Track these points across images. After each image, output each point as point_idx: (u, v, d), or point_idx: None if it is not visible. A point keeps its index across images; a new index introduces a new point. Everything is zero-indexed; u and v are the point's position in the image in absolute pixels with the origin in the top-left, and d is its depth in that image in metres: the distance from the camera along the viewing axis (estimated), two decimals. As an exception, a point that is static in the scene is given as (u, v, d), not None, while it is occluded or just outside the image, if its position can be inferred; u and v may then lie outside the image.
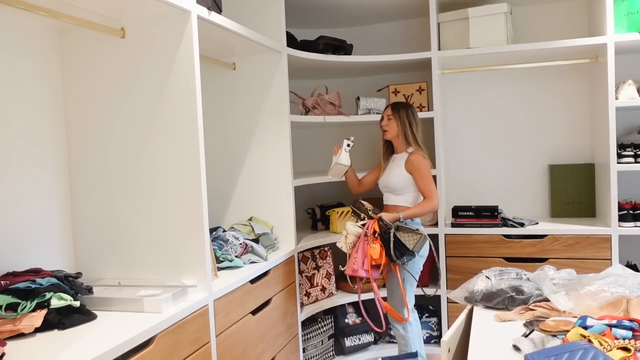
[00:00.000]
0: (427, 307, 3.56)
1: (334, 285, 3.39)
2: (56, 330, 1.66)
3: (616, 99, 3.07)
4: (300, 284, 3.11)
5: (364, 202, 2.83)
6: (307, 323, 3.23)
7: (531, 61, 3.48)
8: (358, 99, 3.49)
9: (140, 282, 2.04)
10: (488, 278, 2.11)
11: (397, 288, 2.85)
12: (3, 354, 1.46)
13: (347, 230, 2.76)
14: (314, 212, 3.66)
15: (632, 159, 3.07)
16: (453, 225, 3.40)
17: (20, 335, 1.60)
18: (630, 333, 1.51)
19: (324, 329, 3.33)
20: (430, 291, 3.12)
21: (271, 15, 2.95)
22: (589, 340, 1.45)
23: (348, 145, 2.96)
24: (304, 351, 3.14)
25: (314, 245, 3.22)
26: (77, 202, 2.18)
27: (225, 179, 3.06)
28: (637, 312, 1.73)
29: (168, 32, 2.02)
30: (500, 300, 2.00)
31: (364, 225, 2.73)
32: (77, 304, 1.73)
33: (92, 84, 2.12)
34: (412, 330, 2.85)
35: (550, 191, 3.60)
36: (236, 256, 2.51)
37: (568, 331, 1.57)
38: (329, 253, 3.38)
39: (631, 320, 1.55)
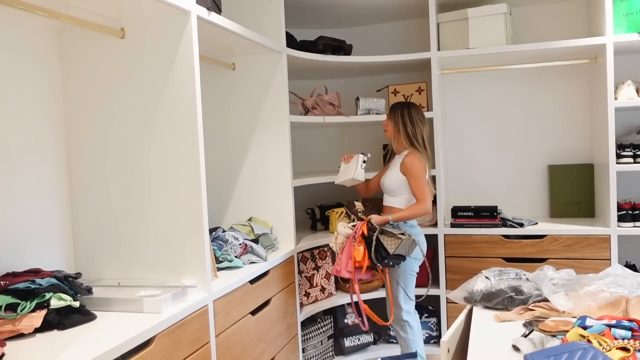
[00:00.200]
0: (427, 307, 3.56)
1: (334, 285, 3.39)
2: (56, 330, 1.66)
3: (615, 99, 3.07)
4: (299, 284, 3.11)
5: (356, 203, 2.84)
6: (307, 323, 3.23)
7: (530, 61, 3.48)
8: (357, 99, 3.49)
9: (140, 282, 2.04)
10: (487, 278, 2.12)
11: (393, 290, 2.86)
12: (3, 355, 1.46)
13: (337, 231, 2.78)
14: (314, 213, 3.66)
15: (631, 159, 3.08)
16: (452, 225, 3.40)
17: (20, 335, 1.60)
18: (629, 333, 1.51)
19: (324, 329, 3.33)
20: (422, 292, 3.09)
21: (271, 15, 2.95)
22: (588, 341, 1.45)
23: (364, 161, 2.94)
24: (303, 351, 3.14)
25: (313, 245, 3.22)
26: (76, 203, 2.18)
27: (224, 179, 3.06)
28: (636, 312, 1.73)
29: (168, 32, 2.02)
30: (500, 300, 2.00)
31: (355, 226, 2.73)
32: (76, 304, 1.73)
33: (92, 84, 2.12)
34: (413, 332, 2.85)
35: (549, 191, 3.60)
36: (236, 256, 2.51)
37: (567, 331, 1.57)
38: (328, 253, 3.38)
39: (630, 321, 1.56)
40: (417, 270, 2.85)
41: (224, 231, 2.63)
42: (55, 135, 2.12)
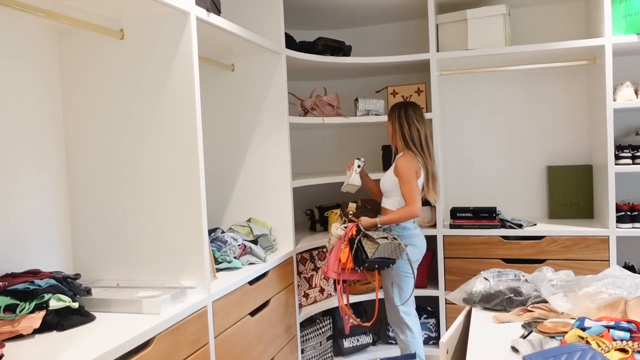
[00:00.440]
0: (426, 308, 3.56)
1: (333, 286, 3.39)
2: (55, 331, 1.66)
3: (614, 100, 3.08)
4: (298, 285, 3.11)
5: (350, 205, 2.85)
6: (306, 324, 3.23)
7: (529, 63, 3.48)
8: (357, 100, 3.49)
9: (139, 283, 2.04)
10: (486, 279, 2.12)
11: (387, 292, 2.86)
12: (2, 355, 1.46)
13: (330, 232, 2.81)
14: (313, 214, 3.66)
15: (629, 161, 3.08)
16: (451, 226, 3.40)
17: (19, 336, 1.60)
18: (628, 334, 1.51)
19: (323, 330, 3.33)
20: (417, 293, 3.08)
21: (270, 16, 2.95)
22: (587, 342, 1.46)
23: (358, 166, 2.95)
24: (302, 352, 3.14)
25: (312, 246, 3.22)
26: (75, 203, 2.18)
27: (224, 180, 3.06)
28: (634, 313, 1.73)
29: (167, 33, 2.02)
30: (499, 301, 2.00)
31: (347, 227, 2.74)
32: (75, 305, 1.72)
33: (91, 85, 2.12)
34: (413, 335, 2.85)
35: (548, 192, 3.60)
36: (235, 257, 2.51)
37: (566, 332, 1.58)
38: (327, 254, 3.38)
39: (629, 322, 1.56)
40: (411, 271, 2.80)
41: (223, 232, 2.63)
42: (55, 135, 2.12)
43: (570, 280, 2.02)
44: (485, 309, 2.03)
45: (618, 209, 3.10)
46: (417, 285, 2.97)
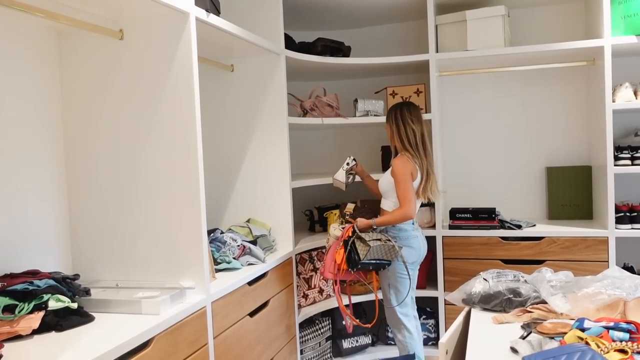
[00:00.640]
0: (425, 309, 3.56)
1: (332, 287, 3.38)
2: (54, 332, 1.66)
3: (613, 101, 3.08)
4: (297, 286, 3.11)
5: (348, 205, 2.85)
6: (305, 325, 3.23)
7: (528, 64, 3.49)
8: (356, 100, 3.49)
9: (138, 283, 2.04)
10: (485, 280, 2.12)
11: (384, 293, 2.86)
12: (1, 356, 1.46)
13: (329, 232, 2.82)
14: (312, 214, 3.66)
15: (628, 162, 3.08)
16: (450, 227, 3.40)
17: (18, 337, 1.60)
18: (627, 335, 1.51)
19: (322, 330, 3.33)
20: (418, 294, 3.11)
21: (269, 17, 2.95)
22: (587, 343, 1.46)
23: (347, 163, 2.96)
24: (301, 353, 3.13)
25: (311, 247, 3.21)
26: (74, 204, 2.17)
27: (223, 181, 3.06)
28: (634, 314, 1.73)
29: (166, 33, 2.02)
30: (498, 302, 2.00)
31: (344, 228, 2.75)
32: (74, 305, 1.72)
33: (90, 85, 2.12)
34: (412, 336, 2.84)
35: (547, 193, 3.61)
36: (234, 258, 2.51)
37: (565, 333, 1.57)
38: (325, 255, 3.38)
39: (628, 323, 1.56)
40: (407, 272, 2.76)
41: (222, 232, 2.63)
42: (54, 136, 2.12)
43: (570, 281, 2.02)
44: (485, 309, 2.02)
45: (617, 209, 3.11)
46: (416, 286, 2.96)
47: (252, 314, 2.43)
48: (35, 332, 1.62)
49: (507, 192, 3.73)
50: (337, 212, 3.44)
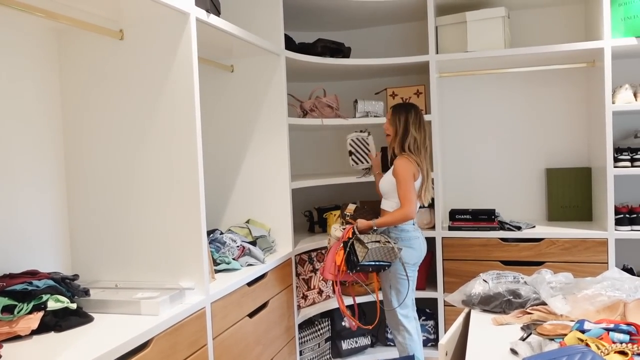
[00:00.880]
0: (424, 310, 3.56)
1: (331, 288, 3.38)
2: (53, 332, 1.66)
3: (613, 103, 3.08)
4: (297, 287, 3.10)
5: (349, 206, 2.85)
6: (304, 326, 3.22)
7: (528, 65, 3.49)
8: (356, 101, 3.49)
9: (138, 284, 2.04)
10: (485, 281, 2.12)
11: (385, 294, 2.86)
12: (0, 356, 1.46)
13: (330, 233, 2.83)
14: (311, 215, 3.66)
15: (628, 163, 3.08)
16: (450, 228, 3.40)
17: (17, 337, 1.60)
18: (627, 337, 1.51)
19: (321, 331, 3.32)
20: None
21: (269, 17, 2.95)
22: (587, 344, 1.45)
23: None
24: (300, 354, 3.13)
25: (311, 247, 3.21)
26: (74, 204, 2.17)
27: (222, 181, 3.06)
28: (634, 315, 1.73)
29: (167, 34, 2.02)
30: (498, 303, 2.00)
31: (345, 229, 2.75)
32: (73, 306, 1.72)
33: (90, 85, 2.12)
34: (412, 338, 2.84)
35: (547, 195, 3.61)
36: (233, 259, 2.50)
37: (565, 335, 1.57)
38: (325, 256, 3.37)
39: (628, 324, 1.56)
40: (407, 273, 2.76)
41: (221, 233, 2.63)
42: (53, 136, 2.12)
43: (570, 282, 2.02)
44: (484, 311, 2.02)
45: (617, 211, 3.11)
46: (416, 287, 2.96)
47: (251, 315, 2.43)
48: (34, 332, 1.61)
49: (507, 194, 3.73)
50: (336, 213, 3.44)
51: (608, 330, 1.53)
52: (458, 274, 3.35)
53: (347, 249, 2.65)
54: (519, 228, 3.29)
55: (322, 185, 3.36)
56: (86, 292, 1.85)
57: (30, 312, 1.63)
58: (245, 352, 2.35)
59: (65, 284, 1.78)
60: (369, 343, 3.51)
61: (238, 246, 2.57)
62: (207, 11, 2.14)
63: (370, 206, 3.12)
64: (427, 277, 3.52)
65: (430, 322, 3.54)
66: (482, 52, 3.29)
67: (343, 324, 3.41)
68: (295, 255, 3.09)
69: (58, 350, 1.51)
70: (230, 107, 3.03)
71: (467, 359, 1.63)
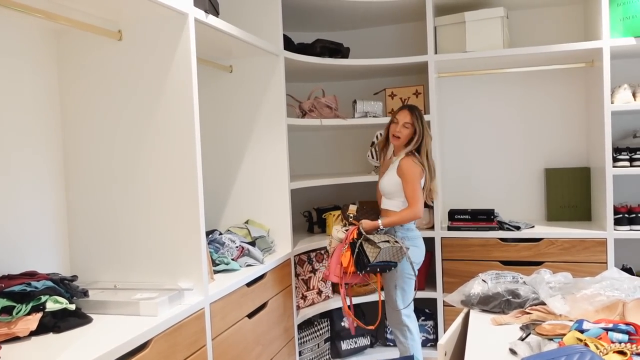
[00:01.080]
0: (424, 310, 3.56)
1: (330, 288, 3.38)
2: (52, 333, 1.66)
3: (612, 103, 3.08)
4: (296, 287, 3.10)
5: (350, 207, 2.83)
6: (304, 326, 3.22)
7: (527, 65, 3.49)
8: (355, 102, 3.49)
9: (136, 285, 2.04)
10: (484, 281, 2.12)
11: (390, 294, 2.86)
12: (-2, 358, 1.46)
13: (331, 235, 2.79)
14: (311, 215, 3.66)
15: (627, 163, 3.09)
16: (449, 228, 3.40)
17: (16, 338, 1.59)
18: (626, 337, 1.51)
19: (320, 332, 3.32)
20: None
21: (268, 18, 2.95)
22: (586, 344, 1.45)
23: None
24: (300, 354, 3.13)
25: (310, 248, 3.21)
26: (73, 205, 2.17)
27: (221, 182, 3.06)
28: (633, 315, 1.73)
29: (165, 34, 2.02)
30: (497, 303, 2.00)
31: (347, 230, 2.73)
32: (72, 307, 1.72)
33: (89, 86, 2.12)
34: (413, 337, 2.84)
35: (546, 195, 3.61)
36: (232, 259, 2.50)
37: (564, 335, 1.57)
38: (325, 256, 3.37)
39: (627, 324, 1.56)
40: (414, 273, 2.79)
41: (220, 234, 2.63)
42: (52, 137, 2.12)
43: (568, 282, 2.02)
44: (484, 311, 2.02)
45: (616, 211, 3.11)
46: (415, 288, 2.96)
47: (250, 315, 2.43)
48: (32, 333, 1.61)
49: (506, 194, 3.73)
50: (335, 213, 3.44)
51: (607, 330, 1.53)
52: (457, 274, 3.35)
53: (357, 250, 2.62)
54: (518, 228, 3.30)
55: (321, 186, 3.35)
56: (85, 293, 1.85)
57: (29, 313, 1.63)
58: (245, 352, 2.35)
59: (64, 285, 1.77)
60: (369, 343, 3.51)
61: (237, 247, 2.56)
62: (206, 12, 2.14)
63: (370, 206, 3.12)
64: (426, 277, 3.52)
65: (430, 322, 3.54)
66: (481, 52, 3.29)
67: (342, 324, 3.41)
68: (295, 256, 3.09)
69: (57, 351, 1.50)
70: (229, 107, 3.03)
71: (466, 359, 1.63)
